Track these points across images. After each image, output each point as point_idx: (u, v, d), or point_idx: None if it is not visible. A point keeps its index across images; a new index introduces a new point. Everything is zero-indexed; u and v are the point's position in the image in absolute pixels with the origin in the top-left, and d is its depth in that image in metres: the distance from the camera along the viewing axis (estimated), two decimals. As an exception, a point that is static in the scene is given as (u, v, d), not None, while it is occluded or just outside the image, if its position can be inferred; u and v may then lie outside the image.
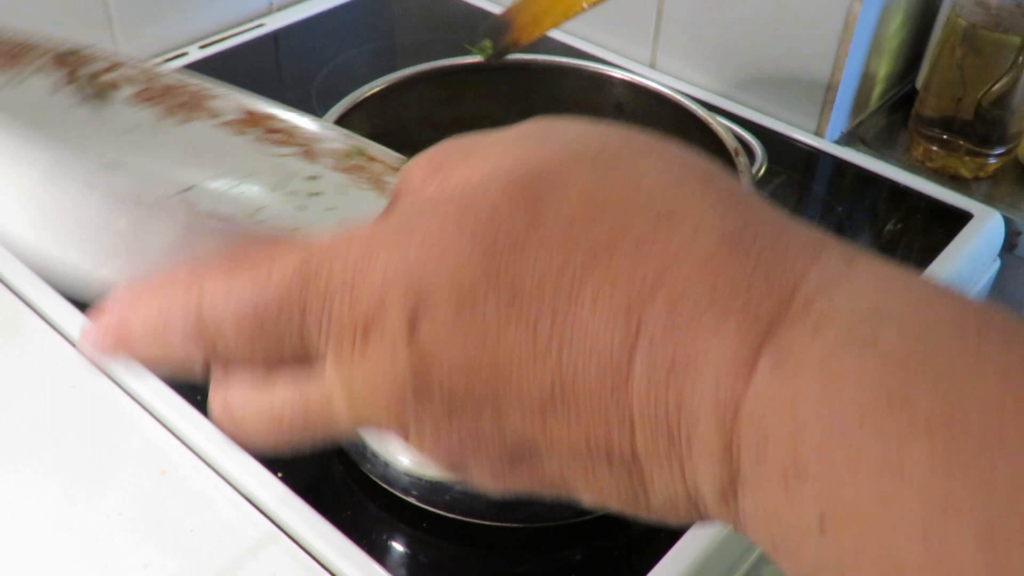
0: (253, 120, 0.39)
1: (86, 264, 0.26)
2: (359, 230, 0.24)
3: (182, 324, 0.25)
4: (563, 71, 0.59)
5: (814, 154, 0.86)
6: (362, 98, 0.55)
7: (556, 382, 0.22)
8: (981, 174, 0.84)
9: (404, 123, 0.59)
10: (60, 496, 0.56)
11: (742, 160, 0.51)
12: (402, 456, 0.50)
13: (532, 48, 1.00)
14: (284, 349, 0.24)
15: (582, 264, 0.22)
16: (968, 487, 0.19)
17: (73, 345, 0.63)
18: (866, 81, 0.87)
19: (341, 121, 0.53)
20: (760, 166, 0.55)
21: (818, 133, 0.87)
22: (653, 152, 0.25)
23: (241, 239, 0.25)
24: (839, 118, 0.87)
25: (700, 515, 0.24)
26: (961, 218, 0.78)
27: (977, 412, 0.19)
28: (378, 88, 0.56)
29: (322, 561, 0.51)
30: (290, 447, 0.26)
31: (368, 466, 0.53)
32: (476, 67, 0.59)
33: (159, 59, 0.93)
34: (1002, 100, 0.80)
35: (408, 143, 0.60)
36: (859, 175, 0.84)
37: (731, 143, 0.52)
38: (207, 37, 0.97)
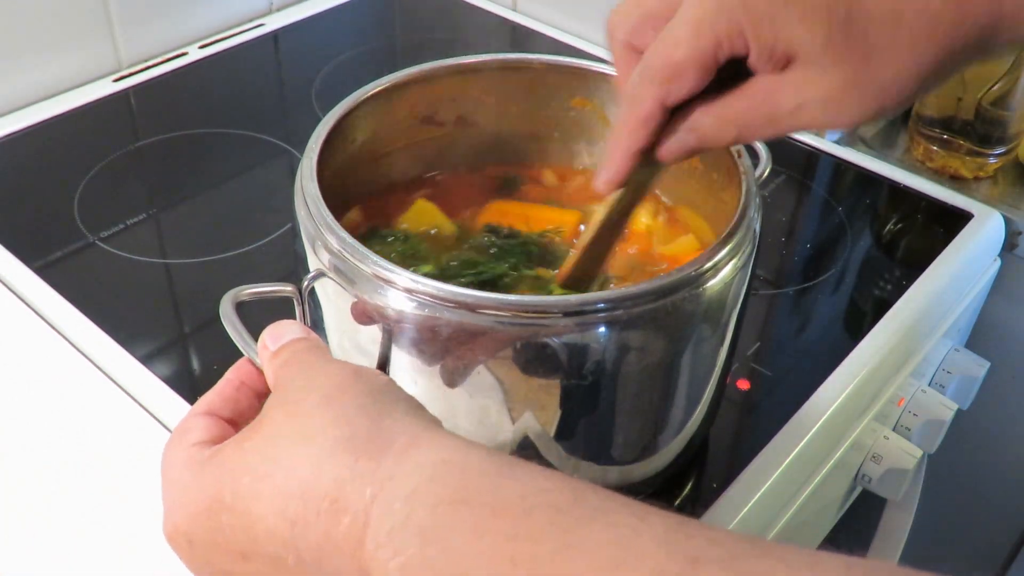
0: None
1: None
2: None
3: None
4: (566, 71, 0.59)
5: (814, 154, 0.86)
6: (362, 98, 0.55)
7: None
8: (981, 174, 0.84)
9: (406, 123, 0.59)
10: (60, 496, 0.56)
11: (744, 162, 0.51)
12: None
13: (533, 47, 1.00)
14: None
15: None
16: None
17: (73, 345, 0.63)
18: (866, 81, 0.87)
19: (341, 121, 0.53)
20: (764, 169, 0.54)
21: (818, 133, 0.87)
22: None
23: None
24: (839, 118, 0.87)
25: None
26: (961, 218, 0.78)
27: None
28: (379, 88, 0.56)
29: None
30: None
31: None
32: (477, 67, 0.59)
33: (159, 59, 0.93)
34: (1002, 100, 0.80)
35: (409, 143, 0.60)
36: (859, 175, 0.84)
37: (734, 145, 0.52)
38: (207, 37, 0.97)
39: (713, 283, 0.45)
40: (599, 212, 0.48)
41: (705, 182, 0.57)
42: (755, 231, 0.48)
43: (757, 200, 0.49)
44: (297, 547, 0.32)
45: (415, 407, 0.36)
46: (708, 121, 0.41)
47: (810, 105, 0.38)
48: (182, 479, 0.36)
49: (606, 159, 0.43)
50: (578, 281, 0.50)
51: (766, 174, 0.54)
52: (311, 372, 0.37)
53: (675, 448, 0.52)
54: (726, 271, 0.45)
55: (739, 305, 0.49)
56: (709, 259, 0.45)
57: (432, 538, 0.29)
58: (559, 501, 0.29)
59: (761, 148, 0.56)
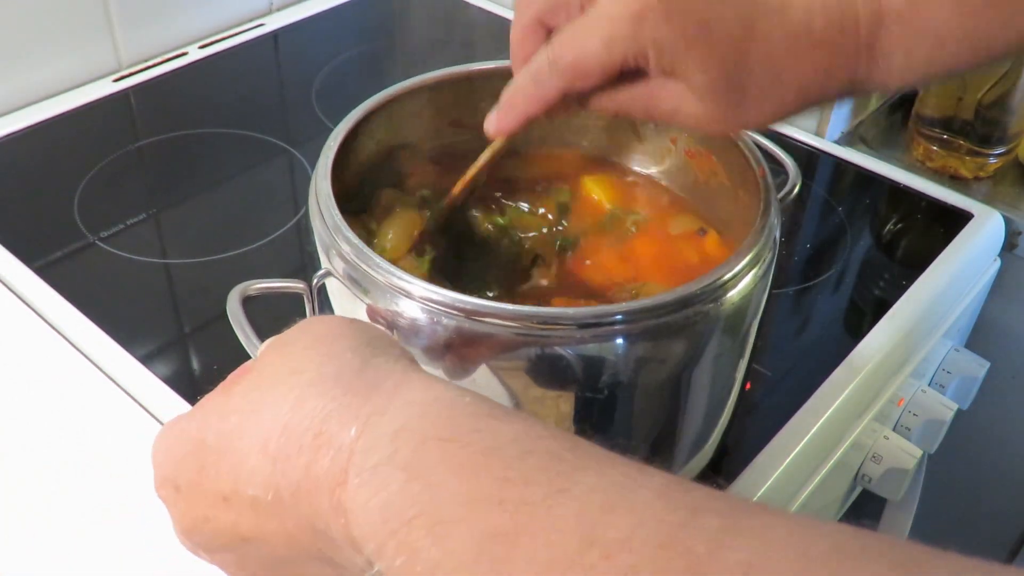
0: None
1: None
2: None
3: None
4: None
5: (815, 154, 0.86)
6: (375, 106, 0.52)
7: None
8: (981, 174, 0.84)
9: (432, 126, 0.57)
10: (60, 496, 0.56)
11: (764, 169, 0.49)
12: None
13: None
14: None
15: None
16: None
17: (73, 345, 0.63)
18: (866, 81, 0.87)
19: (354, 131, 0.51)
20: (792, 187, 0.52)
21: (818, 133, 0.87)
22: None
23: None
24: (839, 118, 0.87)
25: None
26: (961, 218, 0.78)
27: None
28: (392, 95, 0.53)
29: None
30: None
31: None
32: (490, 73, 0.57)
33: (159, 59, 0.93)
34: (1002, 100, 0.80)
35: (433, 146, 0.58)
36: (859, 175, 0.84)
37: (755, 162, 0.50)
38: (207, 37, 0.97)
39: (733, 294, 0.43)
40: (486, 152, 0.53)
41: (733, 204, 0.54)
42: (775, 239, 0.47)
43: (777, 206, 0.48)
44: (277, 484, 0.31)
45: (408, 356, 0.35)
46: (596, 99, 0.46)
47: (683, 115, 0.44)
48: (167, 433, 0.36)
49: (502, 112, 0.48)
50: (452, 204, 0.55)
51: (795, 193, 0.52)
52: (305, 323, 0.37)
53: (695, 467, 0.51)
54: (746, 281, 0.44)
55: (759, 315, 0.47)
56: (729, 269, 0.43)
57: (417, 474, 0.28)
58: (555, 447, 0.28)
59: (788, 162, 0.53)
